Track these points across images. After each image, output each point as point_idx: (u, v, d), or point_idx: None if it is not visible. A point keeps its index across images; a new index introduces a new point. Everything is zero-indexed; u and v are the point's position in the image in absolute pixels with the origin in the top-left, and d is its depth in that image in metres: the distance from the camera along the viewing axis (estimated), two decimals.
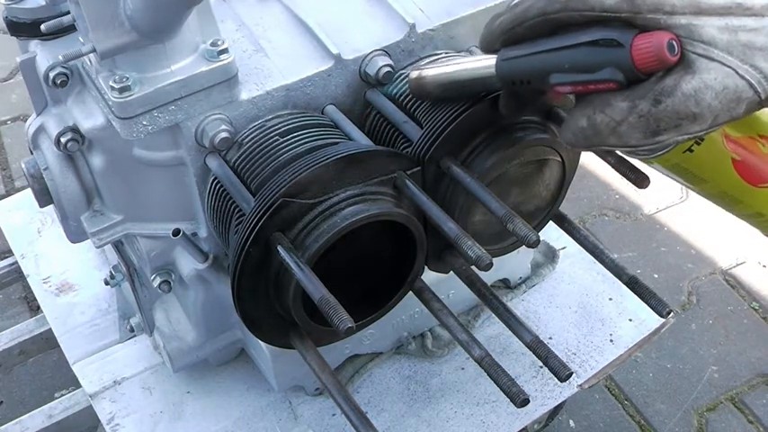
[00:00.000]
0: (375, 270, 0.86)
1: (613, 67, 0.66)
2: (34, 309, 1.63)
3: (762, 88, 0.64)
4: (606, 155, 0.84)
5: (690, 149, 0.77)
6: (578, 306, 1.22)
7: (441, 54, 0.92)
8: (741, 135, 0.78)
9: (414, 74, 0.84)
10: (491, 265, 0.73)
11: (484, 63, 0.75)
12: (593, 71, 0.67)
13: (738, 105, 0.64)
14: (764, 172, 0.79)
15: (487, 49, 0.75)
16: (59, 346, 1.22)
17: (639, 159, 0.78)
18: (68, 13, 0.80)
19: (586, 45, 0.67)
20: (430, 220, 0.80)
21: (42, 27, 0.81)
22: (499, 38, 0.73)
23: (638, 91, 0.66)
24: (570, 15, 0.68)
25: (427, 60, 0.89)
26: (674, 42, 0.63)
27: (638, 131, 0.67)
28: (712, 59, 0.63)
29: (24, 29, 0.86)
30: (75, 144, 0.86)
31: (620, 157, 0.83)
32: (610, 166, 0.84)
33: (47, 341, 1.32)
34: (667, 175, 0.82)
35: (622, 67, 0.65)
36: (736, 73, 0.63)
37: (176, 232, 0.87)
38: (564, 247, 1.27)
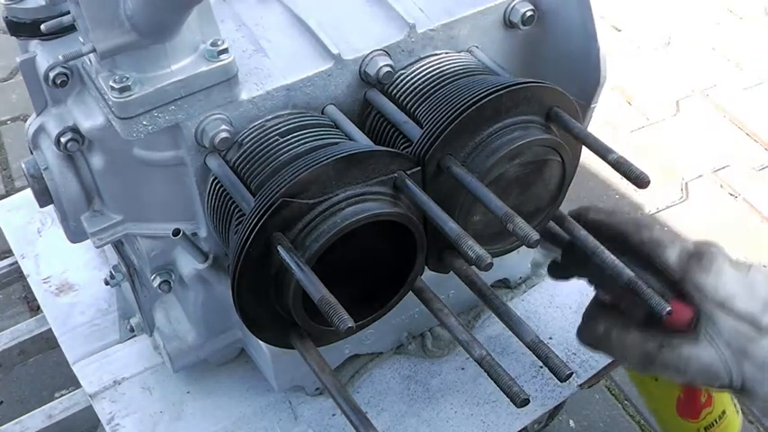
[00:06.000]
0: (375, 270, 0.86)
1: (651, 302, 0.84)
2: (34, 309, 1.63)
3: (737, 383, 0.82)
4: (607, 154, 0.84)
5: (656, 378, 1.00)
6: (578, 306, 1.22)
7: (441, 54, 0.92)
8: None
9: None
10: (491, 265, 0.73)
11: None
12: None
13: (713, 383, 0.84)
14: (694, 412, 1.03)
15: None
16: (59, 346, 1.22)
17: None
18: (68, 13, 0.80)
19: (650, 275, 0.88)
20: (430, 220, 0.80)
21: (42, 27, 0.81)
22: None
23: (653, 331, 0.86)
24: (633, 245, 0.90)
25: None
26: (694, 321, 0.84)
27: (636, 359, 0.87)
28: (713, 343, 0.82)
29: (24, 29, 0.86)
30: (75, 144, 0.86)
31: (621, 157, 0.83)
32: (610, 166, 0.84)
33: (47, 341, 1.32)
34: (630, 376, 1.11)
35: (655, 309, 0.84)
36: (724, 363, 0.82)
37: (176, 232, 0.87)
38: None
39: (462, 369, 1.16)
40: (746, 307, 0.83)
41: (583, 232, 0.93)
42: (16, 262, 1.36)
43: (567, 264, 1.00)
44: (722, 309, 0.84)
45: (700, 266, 0.86)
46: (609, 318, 0.91)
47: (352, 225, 0.77)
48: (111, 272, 1.07)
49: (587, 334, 0.93)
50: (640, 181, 0.81)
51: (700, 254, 0.87)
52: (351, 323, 0.69)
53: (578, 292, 1.23)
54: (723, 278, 0.85)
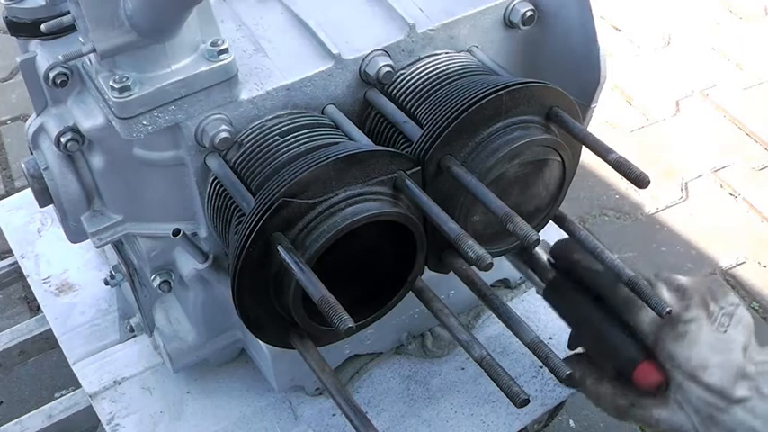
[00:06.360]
0: (375, 270, 0.86)
1: (622, 360, 0.87)
2: (34, 309, 1.63)
3: None
4: (607, 154, 0.84)
5: None
6: None
7: (441, 54, 0.92)
8: None
9: None
10: (491, 265, 0.73)
11: None
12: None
13: None
14: None
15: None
16: (59, 346, 1.22)
17: None
18: (68, 13, 0.80)
19: (622, 333, 0.89)
20: (430, 220, 0.80)
21: (42, 27, 0.81)
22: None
23: (625, 388, 0.87)
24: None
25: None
26: (663, 386, 0.85)
27: (609, 409, 0.89)
28: (682, 409, 0.85)
29: (24, 29, 0.86)
30: (75, 144, 0.86)
31: (620, 157, 0.83)
32: (610, 166, 0.84)
33: (47, 341, 1.32)
34: None
35: (624, 368, 0.87)
36: (693, 426, 0.84)
37: (176, 232, 0.87)
38: None
39: (462, 369, 1.16)
40: (717, 381, 0.83)
41: (583, 233, 0.93)
42: (16, 262, 1.36)
43: (549, 300, 0.99)
44: (693, 379, 0.84)
45: (673, 335, 0.86)
46: (583, 366, 0.91)
47: (352, 225, 0.77)
48: (111, 272, 1.07)
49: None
50: (640, 181, 0.81)
51: (673, 321, 0.86)
52: (351, 323, 0.69)
53: None
54: (696, 348, 0.84)
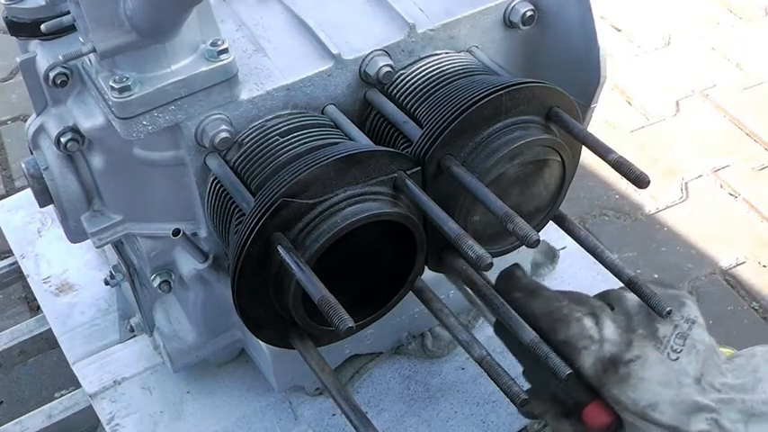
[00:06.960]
0: (375, 270, 0.86)
1: (568, 404, 0.87)
2: (34, 309, 1.63)
3: None
4: (607, 154, 0.84)
5: None
6: None
7: (441, 54, 0.92)
8: None
9: None
10: (491, 265, 0.73)
11: None
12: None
13: None
14: None
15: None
16: (59, 346, 1.22)
17: None
18: (68, 13, 0.80)
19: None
20: (430, 220, 0.80)
21: (42, 27, 0.81)
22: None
23: (582, 427, 0.85)
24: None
25: None
26: (614, 425, 0.84)
27: None
28: None
29: (24, 29, 0.86)
30: (75, 144, 0.86)
31: (620, 157, 0.83)
32: (610, 166, 0.84)
33: (47, 341, 1.32)
34: None
35: (572, 411, 0.86)
36: None
37: (176, 232, 0.87)
38: (564, 247, 1.27)
39: (462, 369, 1.16)
40: (669, 419, 0.80)
41: (583, 233, 0.93)
42: (16, 262, 1.36)
43: (499, 336, 0.96)
44: (644, 419, 0.81)
45: (616, 378, 0.82)
46: (544, 401, 0.89)
47: (352, 225, 0.77)
48: (111, 272, 1.07)
49: (525, 412, 0.93)
50: (640, 181, 0.81)
51: (615, 363, 0.83)
52: (351, 323, 0.69)
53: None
54: (642, 387, 0.81)
